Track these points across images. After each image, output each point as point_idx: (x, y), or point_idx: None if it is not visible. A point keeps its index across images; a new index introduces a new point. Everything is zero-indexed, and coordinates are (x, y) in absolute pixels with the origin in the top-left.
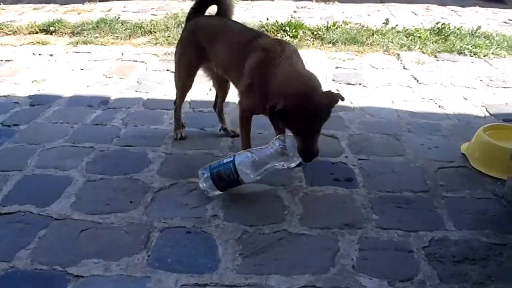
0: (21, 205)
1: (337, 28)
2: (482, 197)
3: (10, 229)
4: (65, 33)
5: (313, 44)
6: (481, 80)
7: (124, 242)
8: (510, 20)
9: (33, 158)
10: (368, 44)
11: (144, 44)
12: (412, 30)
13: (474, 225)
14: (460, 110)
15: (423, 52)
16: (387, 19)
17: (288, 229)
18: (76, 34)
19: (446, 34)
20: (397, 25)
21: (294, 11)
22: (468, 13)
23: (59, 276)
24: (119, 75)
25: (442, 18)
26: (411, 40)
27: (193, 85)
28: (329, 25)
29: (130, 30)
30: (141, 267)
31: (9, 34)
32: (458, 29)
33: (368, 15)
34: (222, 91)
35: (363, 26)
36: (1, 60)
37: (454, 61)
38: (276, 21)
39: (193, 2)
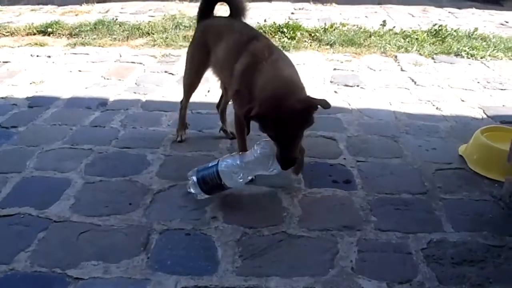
0: (20, 207)
1: (334, 29)
2: (480, 199)
3: (9, 231)
4: (63, 35)
5: (310, 45)
6: (478, 82)
7: (123, 244)
8: (506, 22)
9: (32, 160)
10: (366, 45)
11: (142, 45)
12: (409, 32)
13: (472, 227)
14: (458, 112)
15: (420, 54)
16: (384, 21)
17: (287, 231)
18: (74, 35)
19: (443, 36)
20: (394, 27)
21: (292, 13)
22: (464, 15)
23: (59, 278)
24: (117, 76)
25: (439, 20)
26: (408, 42)
27: None
28: (326, 27)
29: (128, 32)
30: (141, 269)
31: (7, 36)
32: (455, 31)
33: (366, 16)
34: (227, 93)
35: (361, 28)
36: None
37: (451, 63)
38: (274, 22)
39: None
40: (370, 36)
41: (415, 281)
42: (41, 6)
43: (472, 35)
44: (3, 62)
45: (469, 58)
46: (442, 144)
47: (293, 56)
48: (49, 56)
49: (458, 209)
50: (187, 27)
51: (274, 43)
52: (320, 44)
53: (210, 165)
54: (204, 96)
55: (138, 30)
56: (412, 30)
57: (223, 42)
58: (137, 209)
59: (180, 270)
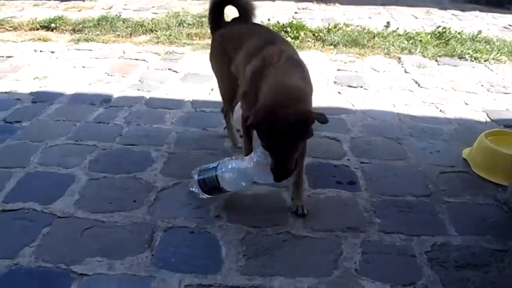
0: (25, 202)
1: (338, 30)
2: (484, 203)
3: (14, 226)
4: (66, 30)
5: (314, 45)
6: (482, 85)
7: (128, 241)
8: (510, 25)
9: (36, 155)
10: (369, 46)
11: (146, 42)
12: (413, 34)
13: (475, 230)
14: (461, 115)
15: (424, 56)
16: (388, 22)
17: (292, 231)
18: (77, 31)
19: (447, 39)
20: (398, 28)
21: (295, 12)
22: (468, 18)
23: (64, 274)
24: (121, 73)
25: (443, 22)
26: (412, 43)
27: (195, 85)
28: (330, 27)
29: (131, 29)
30: (145, 266)
31: (10, 30)
32: (458, 33)
33: (369, 17)
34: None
35: (364, 29)
36: (2, 56)
37: (455, 66)
38: (278, 21)
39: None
40: (373, 37)
41: (418, 284)
42: (43, 1)
43: (475, 38)
44: (7, 57)
45: (472, 61)
46: (446, 147)
47: None
48: (53, 52)
49: (462, 213)
50: (190, 24)
51: (289, 47)
52: (323, 44)
53: (211, 166)
54: (208, 95)
55: (142, 27)
56: (416, 32)
57: (244, 47)
58: (141, 206)
59: (184, 268)
